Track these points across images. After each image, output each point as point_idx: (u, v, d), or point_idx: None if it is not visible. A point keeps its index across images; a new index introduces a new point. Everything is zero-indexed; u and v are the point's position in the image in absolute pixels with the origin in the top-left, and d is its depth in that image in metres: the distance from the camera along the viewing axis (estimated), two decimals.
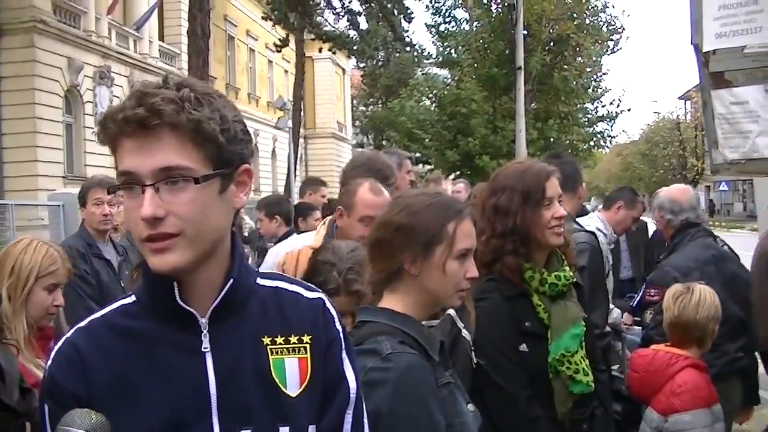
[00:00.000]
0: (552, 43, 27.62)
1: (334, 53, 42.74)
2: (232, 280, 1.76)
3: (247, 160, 1.77)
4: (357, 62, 52.80)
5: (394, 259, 2.50)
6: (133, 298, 1.83)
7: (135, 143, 1.64)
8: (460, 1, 30.62)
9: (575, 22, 27.30)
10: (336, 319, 1.89)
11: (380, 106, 54.51)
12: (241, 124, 1.76)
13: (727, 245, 5.59)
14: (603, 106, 29.76)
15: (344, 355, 1.88)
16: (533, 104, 27.33)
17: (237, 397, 1.73)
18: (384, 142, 50.52)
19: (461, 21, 30.46)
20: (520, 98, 23.50)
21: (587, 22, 28.34)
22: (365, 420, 1.90)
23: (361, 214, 3.98)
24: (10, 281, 3.39)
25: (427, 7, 31.37)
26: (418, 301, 2.51)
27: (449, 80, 29.79)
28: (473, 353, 3.26)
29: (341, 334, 1.89)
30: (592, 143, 29.91)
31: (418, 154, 29.40)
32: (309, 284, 1.96)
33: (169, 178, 1.64)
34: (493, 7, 28.79)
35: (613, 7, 33.34)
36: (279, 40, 38.03)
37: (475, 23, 28.83)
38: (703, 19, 4.30)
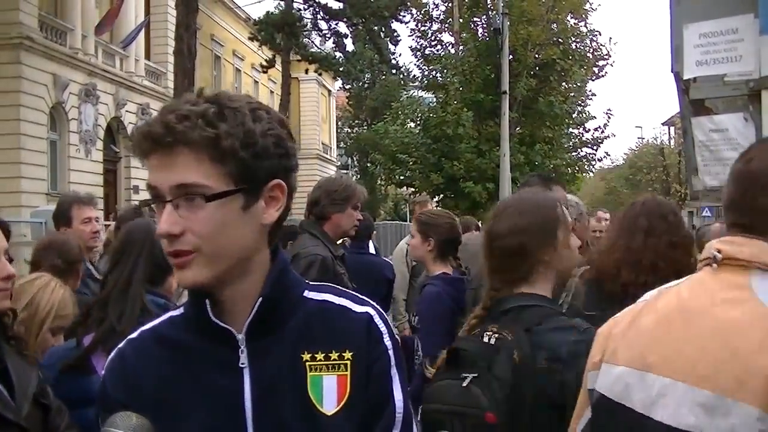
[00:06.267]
0: (538, 68, 27.78)
1: (320, 74, 42.75)
2: (261, 299, 1.71)
3: (281, 175, 1.71)
4: (343, 84, 53.01)
5: (533, 256, 2.68)
6: (182, 309, 1.82)
7: (157, 159, 1.63)
8: (446, 25, 30.83)
9: (561, 47, 27.48)
10: (386, 335, 1.79)
11: (365, 127, 54.54)
12: (275, 138, 1.68)
13: None
14: (588, 131, 29.94)
15: (393, 372, 1.78)
16: (518, 128, 27.43)
17: (272, 415, 1.69)
18: (369, 164, 50.58)
19: (447, 45, 30.66)
20: (505, 122, 23.63)
21: (573, 47, 28.52)
22: None
23: None
24: (23, 315, 3.16)
25: (412, 30, 31.61)
26: (551, 282, 2.73)
27: (434, 103, 29.84)
28: None
29: (391, 351, 1.78)
30: (576, 168, 30.03)
31: (401, 177, 29.47)
32: (361, 297, 1.86)
33: (186, 195, 1.61)
34: (480, 31, 29.00)
35: (600, 34, 33.42)
36: (265, 60, 38.07)
37: (461, 47, 28.98)
38: (683, 46, 4.34)
